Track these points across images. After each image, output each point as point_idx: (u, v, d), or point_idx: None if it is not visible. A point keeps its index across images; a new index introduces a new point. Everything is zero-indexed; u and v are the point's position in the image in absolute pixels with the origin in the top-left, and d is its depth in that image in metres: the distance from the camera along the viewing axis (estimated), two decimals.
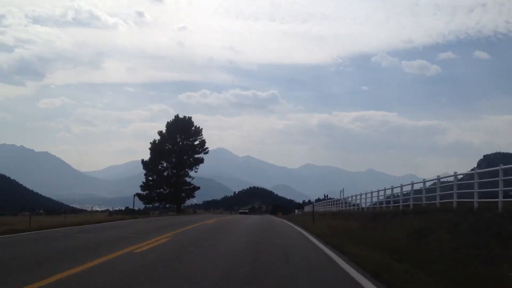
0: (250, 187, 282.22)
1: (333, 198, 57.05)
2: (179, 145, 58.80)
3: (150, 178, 57.57)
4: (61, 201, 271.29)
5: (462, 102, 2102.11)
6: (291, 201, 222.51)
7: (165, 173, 58.46)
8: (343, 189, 45.03)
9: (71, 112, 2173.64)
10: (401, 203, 21.17)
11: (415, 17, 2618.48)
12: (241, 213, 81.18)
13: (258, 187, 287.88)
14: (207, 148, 61.23)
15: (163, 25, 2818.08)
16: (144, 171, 57.54)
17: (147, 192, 57.26)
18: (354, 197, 33.69)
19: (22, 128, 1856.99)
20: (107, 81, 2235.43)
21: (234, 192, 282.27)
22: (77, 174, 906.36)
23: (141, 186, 57.59)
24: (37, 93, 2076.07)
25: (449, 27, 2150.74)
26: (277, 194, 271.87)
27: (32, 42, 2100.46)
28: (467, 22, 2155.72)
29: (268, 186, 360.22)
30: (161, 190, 57.87)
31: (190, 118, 60.21)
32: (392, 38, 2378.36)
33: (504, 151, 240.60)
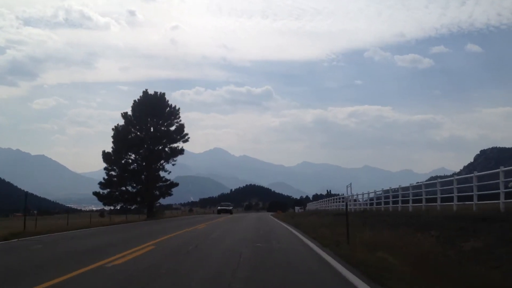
0: (246, 185, 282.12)
1: (338, 195, 55.43)
2: (149, 131, 44.68)
3: (113, 173, 43.85)
4: (58, 202, 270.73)
5: (455, 95, 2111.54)
6: (288, 197, 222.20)
7: (131, 167, 44.85)
8: (350, 184, 40.98)
9: (65, 113, 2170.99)
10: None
11: (408, 11, 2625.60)
12: (221, 211, 60.56)
13: (255, 184, 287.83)
14: (187, 134, 45.84)
15: (156, 24, 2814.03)
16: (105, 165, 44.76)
17: (108, 190, 43.64)
18: (374, 194, 28.08)
19: (16, 130, 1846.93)
20: (100, 80, 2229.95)
21: (231, 190, 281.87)
22: (73, 176, 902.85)
23: (100, 183, 43.71)
24: (30, 93, 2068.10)
25: (441, 21, 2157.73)
26: (274, 191, 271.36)
27: (23, 43, 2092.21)
28: (459, 16, 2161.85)
29: (265, 184, 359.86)
30: (127, 188, 44.58)
31: (163, 94, 45.65)
32: (385, 32, 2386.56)
33: (500, 146, 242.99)
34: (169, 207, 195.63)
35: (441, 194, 17.56)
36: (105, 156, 43.48)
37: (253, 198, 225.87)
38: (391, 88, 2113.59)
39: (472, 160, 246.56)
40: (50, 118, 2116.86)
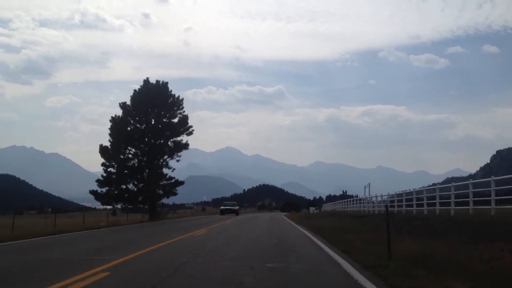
0: (260, 185, 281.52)
1: (353, 196, 53.68)
2: (150, 123, 40.60)
3: (112, 170, 39.69)
4: (72, 200, 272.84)
5: (471, 95, 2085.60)
6: (302, 198, 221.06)
7: (131, 163, 40.59)
8: (368, 184, 37.59)
9: (78, 111, 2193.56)
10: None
11: (423, 14, 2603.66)
12: (224, 211, 52.51)
13: (268, 184, 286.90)
14: (191, 127, 41.70)
15: (169, 26, 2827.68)
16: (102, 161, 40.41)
17: (107, 188, 39.70)
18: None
19: (30, 128, 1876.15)
20: (114, 79, 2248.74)
21: (244, 190, 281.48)
22: (87, 174, 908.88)
23: (98, 181, 39.70)
24: (44, 92, 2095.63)
25: (458, 23, 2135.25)
26: (287, 191, 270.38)
27: (39, 44, 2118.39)
28: (476, 18, 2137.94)
29: (278, 184, 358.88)
30: (127, 186, 40.58)
31: (165, 84, 41.77)
32: (399, 34, 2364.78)
33: None
34: (182, 206, 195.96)
35: (476, 196, 15.69)
36: (103, 150, 39.21)
37: (266, 198, 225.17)
38: (405, 88, 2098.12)
39: (488, 161, 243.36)
40: (63, 116, 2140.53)
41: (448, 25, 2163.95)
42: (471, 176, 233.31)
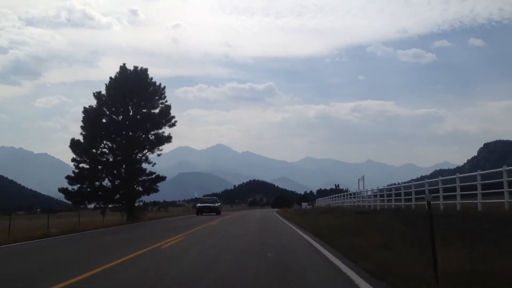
0: (250, 180, 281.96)
1: (343, 190, 53.18)
2: (128, 114, 36.62)
3: (84, 166, 35.36)
4: (61, 199, 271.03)
5: (458, 89, 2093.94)
6: (292, 193, 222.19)
7: (106, 158, 36.37)
8: (362, 177, 36.05)
9: (68, 111, 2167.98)
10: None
11: (410, 7, 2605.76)
12: (202, 210, 41.79)
13: (259, 180, 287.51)
14: (173, 117, 37.86)
15: (157, 23, 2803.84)
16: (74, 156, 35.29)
17: (78, 186, 35.16)
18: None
19: (20, 129, 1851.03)
20: (103, 79, 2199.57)
21: (234, 186, 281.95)
22: None
23: (68, 177, 34.91)
24: (33, 92, 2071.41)
25: (443, 16, 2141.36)
26: (278, 186, 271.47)
27: (26, 43, 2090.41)
28: (461, 11, 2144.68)
29: (268, 179, 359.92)
30: (101, 183, 36.26)
31: (145, 70, 37.67)
32: (387, 28, 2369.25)
33: (504, 139, 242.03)
34: (172, 203, 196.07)
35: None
36: (74, 144, 34.79)
37: (257, 193, 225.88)
38: (393, 83, 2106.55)
39: (475, 154, 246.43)
40: (53, 116, 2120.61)
41: (434, 18, 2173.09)
42: (459, 169, 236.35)
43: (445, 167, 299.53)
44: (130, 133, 36.52)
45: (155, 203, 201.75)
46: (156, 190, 38.44)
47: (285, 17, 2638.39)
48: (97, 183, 36.00)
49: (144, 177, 37.53)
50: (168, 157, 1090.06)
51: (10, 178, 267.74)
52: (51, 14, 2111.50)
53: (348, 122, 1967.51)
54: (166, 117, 37.54)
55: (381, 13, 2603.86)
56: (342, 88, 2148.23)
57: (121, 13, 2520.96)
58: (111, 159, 36.38)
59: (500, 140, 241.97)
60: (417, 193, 19.21)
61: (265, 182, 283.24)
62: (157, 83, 37.85)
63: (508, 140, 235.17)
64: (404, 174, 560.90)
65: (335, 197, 46.07)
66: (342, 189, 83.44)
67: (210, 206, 42.24)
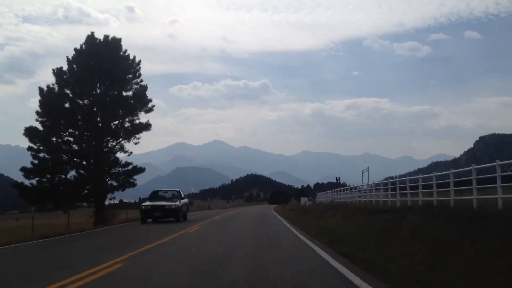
0: (247, 175, 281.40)
1: (343, 183, 50.48)
2: (96, 96, 29.13)
3: (44, 156, 27.87)
4: None
5: (453, 84, 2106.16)
6: (290, 187, 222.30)
7: (70, 148, 28.86)
8: (367, 168, 32.07)
9: None
10: None
11: (407, 1, 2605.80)
12: (148, 213, 23.83)
13: (256, 174, 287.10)
14: (150, 101, 30.63)
15: (154, 19, 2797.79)
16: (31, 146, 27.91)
17: (37, 179, 27.79)
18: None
19: (15, 127, 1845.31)
20: None
21: (232, 180, 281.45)
22: None
23: (23, 169, 27.50)
24: (27, 91, 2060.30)
25: (440, 10, 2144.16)
26: (275, 181, 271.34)
27: (22, 40, 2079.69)
28: (458, 5, 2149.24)
29: (266, 173, 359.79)
30: (66, 176, 28.65)
31: (118, 41, 30.01)
32: (384, 22, 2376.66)
33: (499, 132, 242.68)
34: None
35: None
36: (30, 132, 27.52)
37: (254, 188, 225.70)
38: (388, 79, 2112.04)
39: (471, 146, 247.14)
40: None
41: (431, 12, 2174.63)
42: (455, 160, 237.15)
43: (442, 159, 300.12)
44: (99, 119, 29.36)
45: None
46: (133, 185, 31.28)
47: (283, 12, 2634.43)
48: (58, 177, 28.45)
49: (118, 169, 30.73)
50: (165, 152, 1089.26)
51: (6, 175, 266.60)
52: (47, 11, 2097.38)
53: (343, 119, 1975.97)
54: (141, 101, 30.33)
55: (378, 7, 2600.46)
56: (337, 84, 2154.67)
57: (118, 10, 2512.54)
58: (76, 149, 29.14)
59: (495, 134, 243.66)
60: (443, 185, 15.33)
61: (263, 176, 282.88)
62: (131, 57, 30.28)
63: (503, 134, 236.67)
64: (400, 167, 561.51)
65: (338, 191, 40.24)
66: (344, 182, 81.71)
67: (164, 206, 23.91)
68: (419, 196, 16.22)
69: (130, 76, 30.31)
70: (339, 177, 63.91)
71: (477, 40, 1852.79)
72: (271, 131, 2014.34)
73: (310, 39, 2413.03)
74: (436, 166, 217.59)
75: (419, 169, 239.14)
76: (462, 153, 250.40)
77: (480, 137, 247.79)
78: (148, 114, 30.96)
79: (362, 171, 34.22)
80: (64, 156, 28.85)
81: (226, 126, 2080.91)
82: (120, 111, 29.94)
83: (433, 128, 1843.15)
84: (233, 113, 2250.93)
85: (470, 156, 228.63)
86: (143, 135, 30.81)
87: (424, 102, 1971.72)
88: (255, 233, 15.89)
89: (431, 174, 16.24)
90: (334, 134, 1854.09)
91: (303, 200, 63.84)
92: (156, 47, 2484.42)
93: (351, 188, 35.08)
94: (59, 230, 18.70)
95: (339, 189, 42.27)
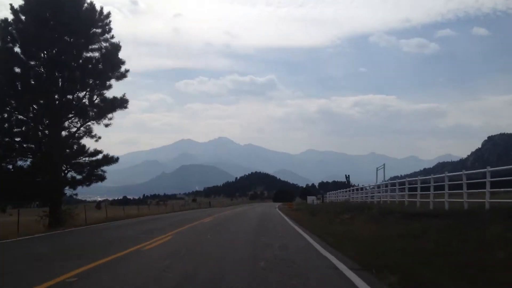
0: (252, 173, 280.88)
1: (354, 184, 45.43)
2: (52, 58, 21.81)
3: None
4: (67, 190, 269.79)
5: (460, 82, 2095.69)
6: (294, 186, 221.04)
7: (17, 129, 22.03)
8: (383, 165, 30.59)
9: None
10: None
11: None
12: None
13: (260, 172, 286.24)
14: (123, 63, 23.50)
15: (158, 12, 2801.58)
16: None
17: None
18: None
19: None
20: None
21: (236, 178, 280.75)
22: None
23: None
24: None
25: (448, 6, 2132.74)
26: (280, 179, 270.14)
27: None
28: (466, 1, 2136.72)
29: (270, 171, 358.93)
30: (14, 164, 22.04)
31: None
32: (390, 18, 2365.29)
33: (509, 132, 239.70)
34: (173, 197, 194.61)
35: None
36: None
37: (259, 186, 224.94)
38: (395, 76, 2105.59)
39: (479, 146, 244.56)
40: None
41: (438, 8, 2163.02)
42: (462, 161, 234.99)
43: (448, 160, 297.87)
44: (54, 89, 22.17)
45: (155, 196, 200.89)
46: (102, 178, 24.19)
47: (287, 7, 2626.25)
48: (7, 165, 22.16)
49: (83, 158, 23.78)
50: (170, 149, 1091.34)
51: None
52: None
53: (350, 116, 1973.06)
54: (112, 63, 23.26)
55: (383, 2, 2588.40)
56: (344, 81, 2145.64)
57: (122, 3, 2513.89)
58: (29, 131, 22.37)
59: (504, 133, 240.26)
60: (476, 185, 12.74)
61: (267, 174, 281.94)
62: (97, 8, 23.16)
63: None
64: (406, 167, 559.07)
65: (352, 190, 34.36)
66: (354, 184, 78.62)
67: None
68: (463, 197, 12.38)
69: (97, 31, 23.09)
70: (348, 175, 56.20)
71: (484, 36, 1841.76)
72: (276, 128, 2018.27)
73: (315, 35, 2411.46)
74: (442, 167, 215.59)
75: (425, 169, 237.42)
76: (469, 153, 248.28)
77: (488, 137, 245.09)
78: (120, 81, 23.89)
79: (377, 168, 32.50)
80: (8, 139, 21.90)
81: (231, 122, 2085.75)
82: (91, 80, 23.06)
83: (440, 127, 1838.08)
84: (239, 108, 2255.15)
85: (478, 156, 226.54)
86: (123, 117, 23.62)
87: (431, 99, 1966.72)
88: (256, 235, 12.17)
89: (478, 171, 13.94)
90: (339, 132, 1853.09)
91: (310, 198, 60.19)
92: (160, 42, 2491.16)
93: (378, 186, 26.86)
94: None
95: (355, 187, 35.78)
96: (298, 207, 41.52)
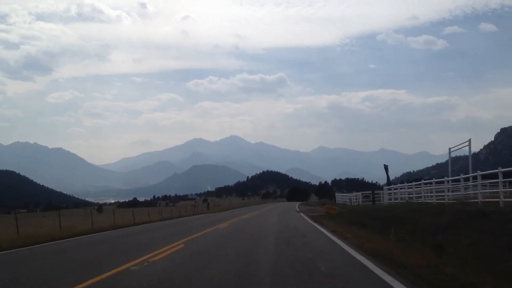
0: (263, 171, 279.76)
1: (357, 179, 41.54)
2: None
3: None
4: (74, 195, 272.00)
5: (470, 76, 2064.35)
6: (307, 184, 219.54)
7: None
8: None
9: (81, 105, 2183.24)
10: None
11: None
12: None
13: (272, 171, 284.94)
14: None
15: (167, 15, 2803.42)
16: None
17: None
18: None
19: (33, 124, 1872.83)
20: (114, 73, 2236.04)
21: (247, 177, 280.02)
22: (91, 168, 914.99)
23: None
24: (46, 88, 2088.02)
25: (455, 2, 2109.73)
26: (292, 177, 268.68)
27: (37, 38, 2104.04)
28: None
29: (281, 170, 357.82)
30: None
31: None
32: (398, 15, 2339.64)
33: None
34: (184, 197, 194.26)
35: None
36: None
37: (271, 185, 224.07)
38: (405, 72, 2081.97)
39: (492, 139, 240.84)
40: (66, 111, 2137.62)
41: (446, 4, 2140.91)
42: (475, 155, 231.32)
43: (460, 154, 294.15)
44: None
45: (165, 198, 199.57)
46: None
47: (296, 7, 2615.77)
48: None
49: None
50: (182, 148, 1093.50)
51: (25, 174, 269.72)
52: (61, 8, 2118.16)
53: (360, 111, 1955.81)
54: None
55: (391, 1, 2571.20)
56: (354, 77, 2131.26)
57: (131, 6, 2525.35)
58: None
59: None
60: None
61: (279, 173, 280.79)
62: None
63: None
64: (418, 162, 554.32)
65: (415, 185, 24.18)
66: (358, 179, 77.95)
67: None
68: None
69: None
70: (387, 165, 35.15)
71: (493, 32, 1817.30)
72: (287, 125, 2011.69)
73: (324, 34, 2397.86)
74: (454, 161, 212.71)
75: (437, 164, 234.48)
76: (482, 147, 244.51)
77: (501, 129, 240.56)
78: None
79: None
80: None
81: (243, 119, 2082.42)
82: None
83: (451, 121, 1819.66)
84: (250, 106, 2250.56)
85: (491, 150, 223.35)
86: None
87: (441, 93, 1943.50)
88: None
89: None
90: (350, 128, 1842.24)
91: (343, 197, 47.13)
92: (170, 45, 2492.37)
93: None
94: None
95: (426, 180, 22.18)
96: (341, 212, 25.85)
